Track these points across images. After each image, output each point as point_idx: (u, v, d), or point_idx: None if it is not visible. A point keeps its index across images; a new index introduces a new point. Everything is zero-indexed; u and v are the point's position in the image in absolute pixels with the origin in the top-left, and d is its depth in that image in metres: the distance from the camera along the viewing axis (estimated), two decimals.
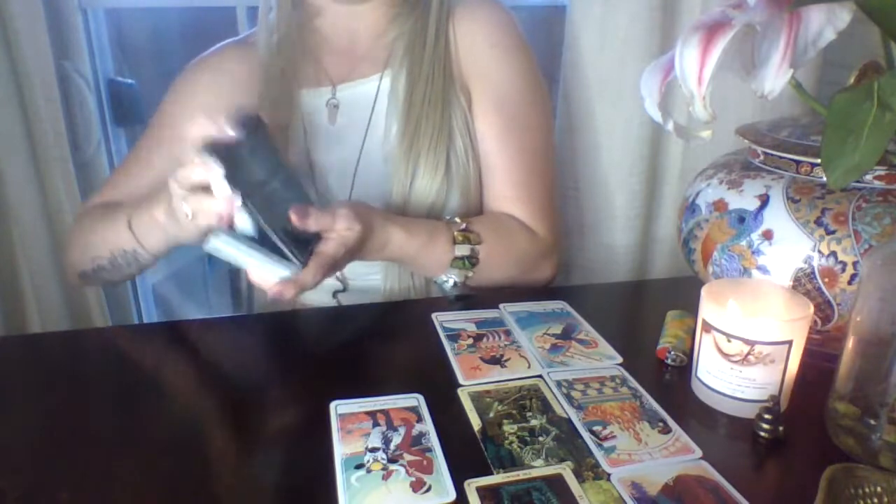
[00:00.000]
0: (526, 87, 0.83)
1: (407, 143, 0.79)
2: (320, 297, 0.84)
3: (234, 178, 0.56)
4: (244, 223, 0.58)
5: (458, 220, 0.77)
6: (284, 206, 0.61)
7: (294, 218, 0.59)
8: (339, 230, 0.64)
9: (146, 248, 0.73)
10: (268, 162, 0.62)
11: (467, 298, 0.78)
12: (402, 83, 0.80)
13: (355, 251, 0.67)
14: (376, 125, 0.82)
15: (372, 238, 0.69)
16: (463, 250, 0.76)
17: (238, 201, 0.56)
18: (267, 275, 0.59)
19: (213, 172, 0.56)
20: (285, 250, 0.59)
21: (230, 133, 0.57)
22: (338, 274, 0.85)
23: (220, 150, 0.57)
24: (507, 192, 0.82)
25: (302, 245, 0.60)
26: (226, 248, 0.57)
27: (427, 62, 0.80)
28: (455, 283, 0.78)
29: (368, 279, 0.83)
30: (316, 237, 0.63)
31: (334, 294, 0.85)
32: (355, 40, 0.85)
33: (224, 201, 0.57)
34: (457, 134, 0.80)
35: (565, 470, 0.48)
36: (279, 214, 0.59)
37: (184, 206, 0.61)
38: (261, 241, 0.59)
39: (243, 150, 0.59)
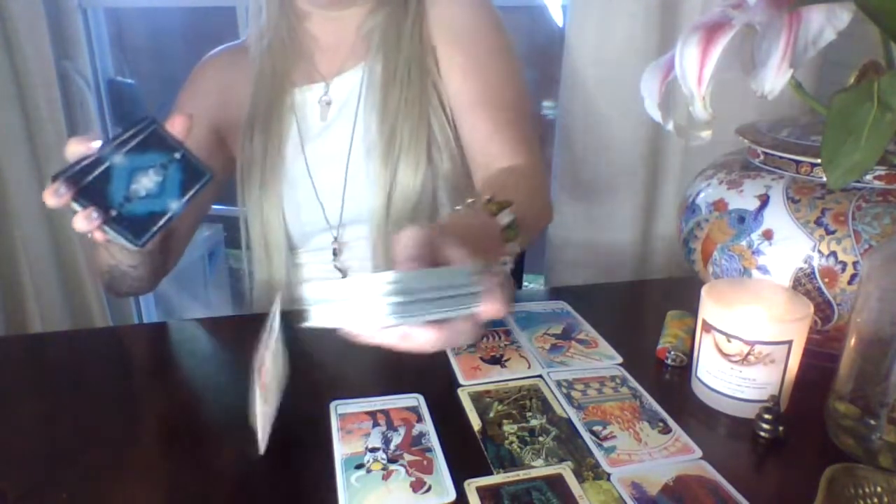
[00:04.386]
0: (488, 31, 0.83)
1: (386, 135, 0.79)
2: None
3: (100, 192, 0.54)
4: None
5: (471, 200, 0.75)
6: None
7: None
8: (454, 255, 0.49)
9: (119, 260, 0.71)
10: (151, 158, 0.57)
11: None
12: (378, 72, 0.81)
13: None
14: (362, 118, 0.83)
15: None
16: (505, 218, 0.64)
17: (96, 216, 0.54)
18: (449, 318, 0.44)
19: (61, 196, 0.54)
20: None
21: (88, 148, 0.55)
22: (336, 263, 0.86)
23: (87, 169, 0.54)
24: (484, 126, 0.80)
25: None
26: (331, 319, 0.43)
27: (404, 52, 0.80)
28: (509, 262, 0.68)
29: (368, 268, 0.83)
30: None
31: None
32: (342, 37, 0.86)
33: (81, 219, 0.55)
34: (435, 126, 0.80)
35: (565, 470, 0.48)
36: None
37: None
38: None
39: (121, 160, 0.55)
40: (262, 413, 0.51)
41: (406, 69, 0.80)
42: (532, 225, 0.75)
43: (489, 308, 0.44)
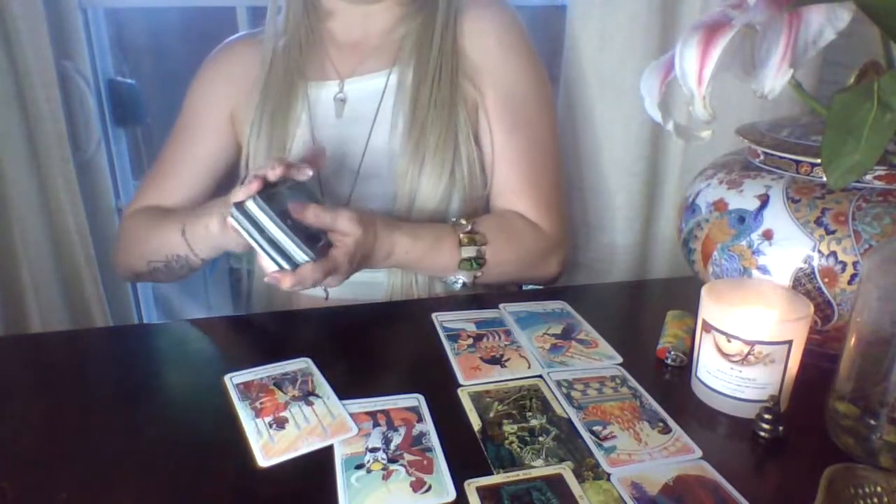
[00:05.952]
0: (533, 86, 0.85)
1: (413, 144, 0.79)
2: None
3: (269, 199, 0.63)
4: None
5: (463, 221, 0.78)
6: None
7: (293, 211, 0.63)
8: (341, 232, 0.66)
9: (197, 255, 0.77)
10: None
11: (468, 298, 0.78)
12: (409, 80, 0.81)
13: (360, 259, 0.69)
14: (382, 121, 0.82)
15: (377, 246, 0.70)
16: (469, 252, 0.77)
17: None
18: (270, 263, 0.63)
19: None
20: (292, 243, 0.62)
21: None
22: None
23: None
24: (513, 185, 0.83)
25: (312, 245, 0.64)
26: (241, 228, 0.62)
27: (434, 62, 0.81)
28: (464, 284, 0.78)
29: (370, 273, 0.83)
30: (327, 244, 0.67)
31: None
32: (365, 37, 0.86)
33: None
34: (461, 140, 0.81)
35: (565, 470, 0.48)
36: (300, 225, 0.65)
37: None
38: (276, 232, 0.63)
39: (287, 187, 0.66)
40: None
41: (437, 77, 0.81)
42: (509, 272, 0.83)
43: (282, 279, 0.62)
